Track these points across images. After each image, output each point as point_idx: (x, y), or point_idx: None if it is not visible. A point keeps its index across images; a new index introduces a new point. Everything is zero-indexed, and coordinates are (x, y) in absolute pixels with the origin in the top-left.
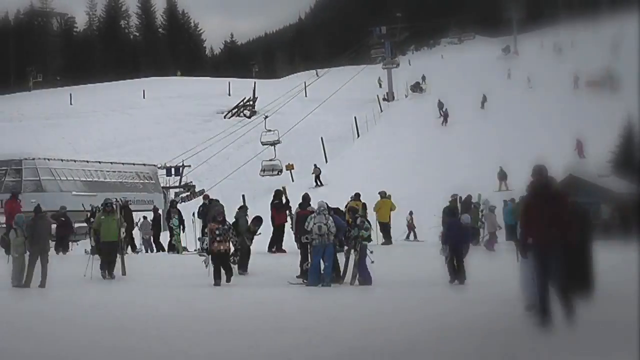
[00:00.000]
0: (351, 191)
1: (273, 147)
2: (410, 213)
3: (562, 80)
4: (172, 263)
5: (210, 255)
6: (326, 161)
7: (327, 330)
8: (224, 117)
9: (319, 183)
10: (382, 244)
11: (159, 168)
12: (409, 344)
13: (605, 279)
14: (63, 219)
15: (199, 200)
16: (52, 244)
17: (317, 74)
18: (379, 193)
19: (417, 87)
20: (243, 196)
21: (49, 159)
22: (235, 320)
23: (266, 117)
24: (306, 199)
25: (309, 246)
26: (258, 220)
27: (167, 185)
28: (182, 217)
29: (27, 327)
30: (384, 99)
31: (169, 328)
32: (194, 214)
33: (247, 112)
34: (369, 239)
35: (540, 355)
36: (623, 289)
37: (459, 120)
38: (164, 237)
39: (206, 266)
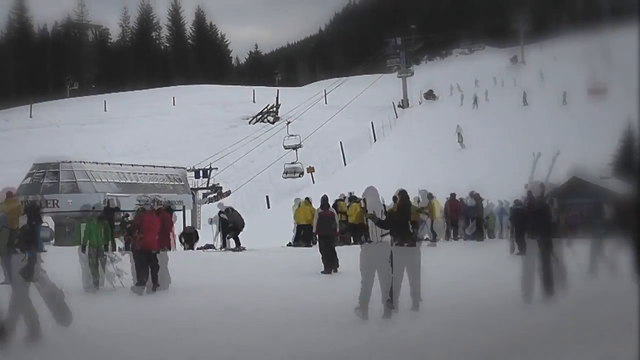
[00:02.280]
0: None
1: (295, 150)
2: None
3: (567, 89)
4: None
5: None
6: (345, 164)
7: (346, 323)
8: (249, 123)
9: None
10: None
11: (188, 170)
12: (424, 335)
13: (606, 276)
14: None
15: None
16: None
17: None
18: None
19: (430, 95)
20: (267, 197)
21: (84, 162)
22: (259, 313)
23: (288, 122)
24: (326, 200)
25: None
26: None
27: (196, 186)
28: None
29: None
30: (399, 106)
31: (196, 321)
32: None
33: (271, 118)
34: None
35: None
36: (623, 286)
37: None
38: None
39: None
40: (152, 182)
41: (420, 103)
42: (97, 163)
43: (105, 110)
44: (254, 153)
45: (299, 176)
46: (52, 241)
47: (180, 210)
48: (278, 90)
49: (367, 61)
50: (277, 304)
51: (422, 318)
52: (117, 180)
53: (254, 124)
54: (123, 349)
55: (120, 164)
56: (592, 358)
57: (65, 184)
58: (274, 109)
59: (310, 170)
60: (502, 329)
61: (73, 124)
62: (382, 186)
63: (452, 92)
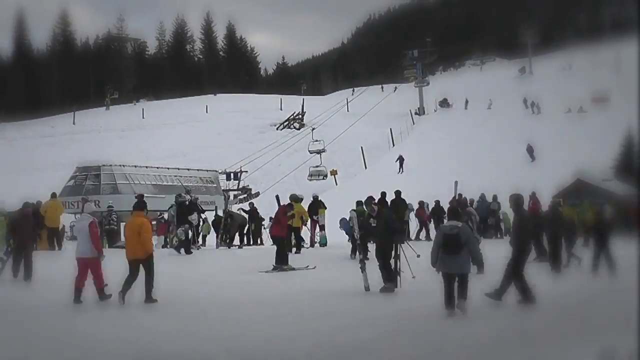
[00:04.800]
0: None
1: (319, 155)
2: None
3: (571, 97)
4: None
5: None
6: (365, 167)
7: (365, 316)
8: (277, 129)
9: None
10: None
11: (219, 173)
12: (441, 327)
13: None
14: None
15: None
16: None
17: (352, 92)
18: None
19: (444, 103)
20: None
21: (123, 165)
22: (286, 305)
23: (313, 129)
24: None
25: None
26: None
27: (227, 188)
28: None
29: None
30: (415, 113)
31: (228, 312)
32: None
33: (297, 125)
34: None
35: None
36: (624, 283)
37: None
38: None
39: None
40: (186, 184)
41: (435, 110)
42: (135, 166)
43: (143, 118)
44: (281, 157)
45: (323, 179)
46: None
47: (212, 210)
48: (303, 99)
49: (386, 72)
50: (302, 297)
51: (438, 310)
52: (154, 182)
53: (281, 130)
54: (159, 340)
55: (157, 167)
56: (593, 352)
57: (106, 186)
58: (300, 116)
59: (333, 173)
60: (506, 323)
61: (113, 130)
62: (398, 187)
63: (465, 102)
